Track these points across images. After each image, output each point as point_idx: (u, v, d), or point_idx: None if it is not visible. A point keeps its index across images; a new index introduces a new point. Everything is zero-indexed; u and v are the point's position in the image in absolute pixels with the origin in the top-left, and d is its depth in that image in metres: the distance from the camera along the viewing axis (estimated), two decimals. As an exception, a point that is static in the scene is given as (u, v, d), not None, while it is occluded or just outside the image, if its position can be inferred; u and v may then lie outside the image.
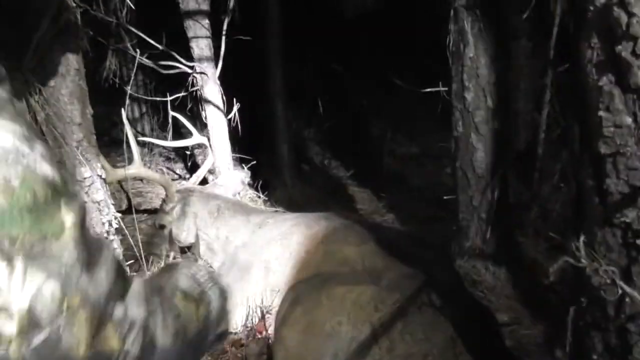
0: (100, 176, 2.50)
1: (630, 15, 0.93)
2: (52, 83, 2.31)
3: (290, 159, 4.87)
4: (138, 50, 3.59)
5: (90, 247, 0.69)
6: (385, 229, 3.85)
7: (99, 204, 2.50)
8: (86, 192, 2.45)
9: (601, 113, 1.02)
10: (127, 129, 3.29)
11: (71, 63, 2.34)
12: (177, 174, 5.45)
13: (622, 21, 0.95)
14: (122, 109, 3.38)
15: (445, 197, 3.25)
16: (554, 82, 3.04)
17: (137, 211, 3.86)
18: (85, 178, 2.43)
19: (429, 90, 3.12)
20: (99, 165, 2.52)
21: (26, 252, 0.60)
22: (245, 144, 4.58)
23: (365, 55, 5.39)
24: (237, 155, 4.64)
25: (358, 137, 6.08)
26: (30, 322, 0.60)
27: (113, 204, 2.63)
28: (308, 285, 2.31)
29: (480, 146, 3.00)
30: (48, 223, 0.63)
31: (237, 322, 2.76)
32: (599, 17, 1.00)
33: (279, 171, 4.84)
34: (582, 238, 1.14)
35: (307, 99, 5.71)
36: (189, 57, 4.07)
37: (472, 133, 2.98)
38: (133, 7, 2.76)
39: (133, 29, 3.53)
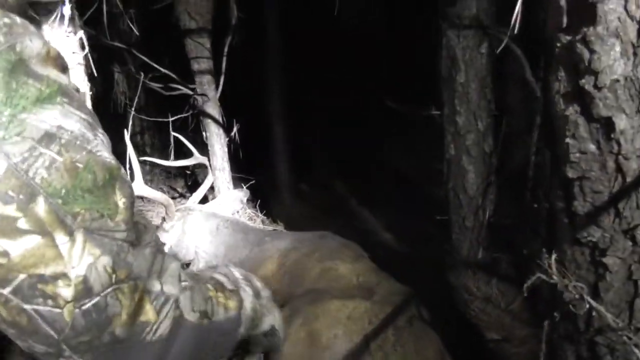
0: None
1: (592, 52, 1.03)
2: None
3: (289, 178, 4.96)
4: (142, 73, 3.71)
5: (136, 229, 0.81)
6: (380, 247, 3.95)
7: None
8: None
9: (568, 140, 1.12)
10: (130, 149, 3.39)
11: (78, 86, 2.44)
12: (177, 191, 5.55)
13: (584, 57, 1.05)
14: (125, 130, 3.48)
15: (438, 217, 3.33)
16: (544, 106, 3.14)
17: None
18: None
19: (423, 114, 3.22)
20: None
21: (86, 228, 0.71)
22: (244, 163, 4.68)
23: (365, 75, 5.53)
24: (237, 175, 4.73)
25: (356, 156, 6.18)
26: (84, 289, 0.72)
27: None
28: (304, 300, 2.37)
29: (472, 168, 3.09)
30: (104, 204, 0.74)
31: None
32: (565, 53, 1.09)
33: (277, 190, 4.93)
34: (554, 256, 1.23)
35: (306, 118, 5.83)
36: (191, 78, 4.19)
37: (463, 155, 3.08)
38: (137, 32, 2.86)
39: (137, 53, 3.65)
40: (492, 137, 3.10)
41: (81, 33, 2.35)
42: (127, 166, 3.35)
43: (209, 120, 4.23)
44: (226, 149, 4.36)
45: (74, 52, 2.39)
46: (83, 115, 0.75)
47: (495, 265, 3.24)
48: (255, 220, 4.54)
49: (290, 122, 4.97)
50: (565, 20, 1.07)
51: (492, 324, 2.89)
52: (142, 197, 3.67)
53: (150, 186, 3.65)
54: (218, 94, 4.25)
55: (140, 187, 3.56)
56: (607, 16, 0.98)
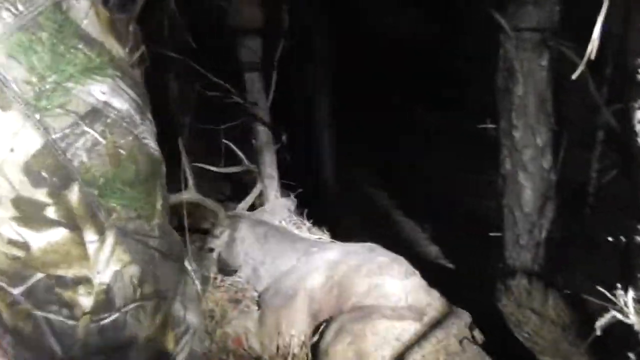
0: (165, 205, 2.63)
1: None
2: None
3: (336, 187, 4.95)
4: (196, 81, 3.79)
5: (170, 239, 0.69)
6: (427, 261, 3.87)
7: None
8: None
9: (647, 173, 1.05)
10: (184, 156, 3.46)
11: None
12: (225, 195, 5.61)
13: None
14: (179, 138, 3.56)
15: (490, 234, 3.23)
16: (608, 122, 3.00)
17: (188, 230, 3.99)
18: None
19: (478, 126, 3.14)
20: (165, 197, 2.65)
21: (119, 227, 0.59)
22: (292, 170, 4.69)
23: (416, 85, 5.45)
24: (285, 182, 4.75)
25: (404, 166, 6.10)
26: (106, 301, 0.60)
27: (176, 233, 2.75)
28: (352, 317, 2.35)
29: (529, 184, 2.98)
30: (144, 202, 0.63)
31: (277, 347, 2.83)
32: (646, 80, 1.03)
33: (324, 199, 4.92)
34: (631, 294, 1.15)
35: (353, 127, 5.81)
36: (242, 87, 4.24)
37: (519, 171, 2.97)
38: (194, 44, 2.91)
39: (192, 63, 3.73)
40: (551, 153, 2.98)
41: (143, 47, 2.40)
42: (181, 173, 3.42)
43: (259, 128, 4.27)
44: (275, 157, 4.38)
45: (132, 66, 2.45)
46: (133, 95, 0.64)
47: (551, 285, 3.11)
48: (301, 228, 4.53)
49: (338, 131, 4.95)
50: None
51: (547, 348, 2.77)
52: (193, 203, 3.72)
53: (199, 189, 3.71)
54: (268, 103, 4.28)
55: (192, 193, 3.63)
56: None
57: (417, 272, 2.69)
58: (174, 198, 3.47)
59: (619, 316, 1.15)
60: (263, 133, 4.29)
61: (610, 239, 1.32)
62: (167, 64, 4.19)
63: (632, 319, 1.12)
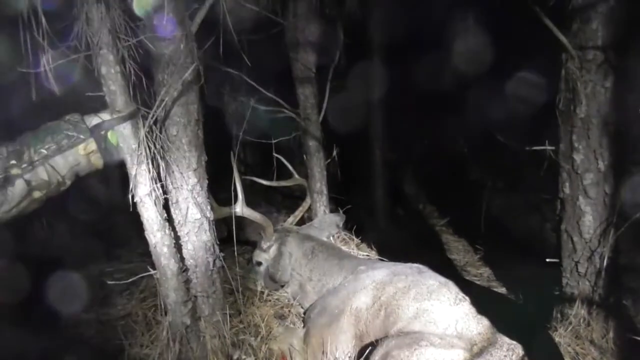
0: (208, 218, 2.69)
1: None
2: (174, 132, 2.55)
3: (385, 203, 4.90)
4: (251, 98, 3.86)
5: None
6: (476, 286, 3.74)
7: (206, 244, 2.68)
8: (195, 233, 2.64)
9: None
10: (235, 170, 3.53)
11: (192, 114, 2.57)
12: (274, 206, 5.67)
13: None
14: (231, 152, 3.63)
15: (547, 260, 3.09)
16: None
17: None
18: (196, 220, 2.62)
19: (534, 148, 3.02)
20: (208, 207, 2.71)
21: None
22: (342, 186, 4.68)
23: (470, 104, 5.35)
24: (334, 196, 4.75)
25: (456, 183, 5.97)
26: None
27: (218, 244, 2.80)
28: (399, 343, 2.29)
29: (589, 210, 2.84)
30: None
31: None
32: None
33: (373, 215, 4.88)
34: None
35: (405, 143, 5.75)
36: (295, 102, 4.29)
37: (580, 196, 2.84)
38: (249, 63, 2.97)
39: (247, 79, 3.80)
40: (614, 177, 2.83)
41: (198, 64, 2.47)
42: (232, 187, 3.48)
43: (310, 143, 4.30)
44: (325, 172, 4.40)
45: (190, 81, 2.52)
46: None
47: (612, 316, 2.93)
48: (349, 244, 4.51)
49: (389, 148, 4.91)
50: None
51: (607, 385, 2.62)
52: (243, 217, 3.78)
53: (250, 200, 3.76)
54: (320, 118, 4.31)
55: (241, 206, 3.68)
56: None
57: (467, 298, 2.61)
58: (224, 211, 3.54)
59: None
60: (314, 148, 4.31)
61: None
62: (222, 80, 4.29)
63: None
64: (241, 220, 4.42)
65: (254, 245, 4.48)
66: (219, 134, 4.71)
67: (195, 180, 2.60)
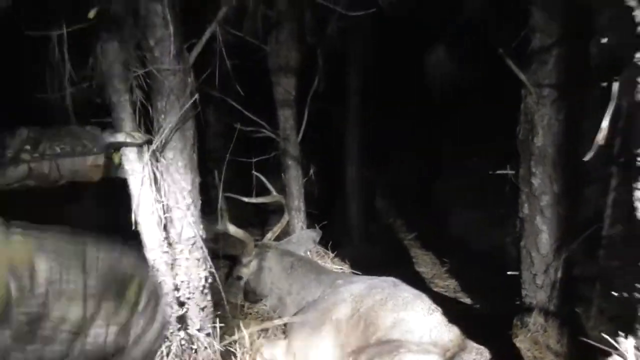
0: (202, 236, 2.88)
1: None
2: (170, 155, 2.73)
3: (360, 220, 5.16)
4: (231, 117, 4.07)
5: None
6: (448, 299, 4.03)
7: (199, 261, 2.87)
8: (189, 250, 2.82)
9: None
10: (220, 190, 3.72)
11: (188, 139, 2.77)
12: (254, 223, 5.84)
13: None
14: (216, 172, 3.82)
15: (508, 273, 3.41)
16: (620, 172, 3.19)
17: (216, 256, 4.20)
18: (189, 238, 2.81)
19: (498, 172, 3.34)
20: (201, 226, 2.90)
21: None
22: (319, 203, 4.92)
23: (444, 127, 5.71)
24: (312, 211, 4.97)
25: (423, 199, 6.30)
26: None
27: (209, 261, 2.99)
28: (380, 350, 2.54)
29: (545, 228, 3.17)
30: None
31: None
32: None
33: (348, 231, 5.13)
34: (633, 342, 1.34)
35: (379, 162, 6.05)
36: (275, 123, 4.51)
37: (537, 216, 3.16)
38: (241, 91, 3.19)
39: (232, 102, 4.01)
40: (567, 199, 3.16)
41: (196, 95, 2.68)
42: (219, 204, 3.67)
43: (289, 162, 4.52)
44: (303, 190, 4.62)
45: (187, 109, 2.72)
46: None
47: (566, 323, 3.26)
48: (325, 258, 4.74)
49: (364, 167, 5.19)
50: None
51: (561, 386, 2.92)
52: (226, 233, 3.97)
53: (231, 217, 3.95)
54: (299, 139, 4.54)
55: (226, 224, 3.88)
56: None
57: (439, 308, 2.88)
58: (210, 229, 3.73)
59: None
60: (292, 167, 4.54)
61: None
62: (209, 103, 4.49)
63: (632, 365, 1.31)
64: (217, 235, 4.61)
65: (230, 259, 4.66)
66: (201, 152, 4.88)
67: (190, 200, 2.79)
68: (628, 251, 1.36)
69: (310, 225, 4.75)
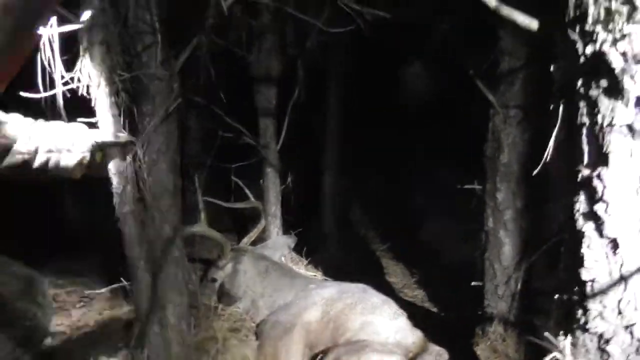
0: (180, 236, 2.98)
1: (604, 186, 1.33)
2: (154, 156, 2.84)
3: (334, 228, 5.30)
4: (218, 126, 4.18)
5: None
6: (416, 308, 4.19)
7: (176, 259, 2.97)
8: (168, 249, 2.92)
9: (583, 250, 1.41)
10: (199, 194, 3.82)
11: (171, 142, 2.88)
12: (231, 228, 5.93)
13: (599, 189, 1.35)
14: (196, 176, 3.92)
15: (472, 283, 3.58)
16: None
17: (191, 259, 4.28)
18: (168, 237, 2.91)
19: (466, 187, 3.52)
20: (180, 226, 3.00)
21: None
22: (296, 210, 5.04)
23: (414, 140, 5.90)
24: (288, 217, 5.08)
25: (398, 212, 6.48)
26: None
27: (186, 259, 3.09)
28: (347, 349, 2.67)
29: (508, 241, 3.35)
30: None
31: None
32: (584, 182, 1.40)
33: (323, 238, 5.26)
34: (569, 339, 1.50)
35: (355, 173, 6.22)
36: (256, 131, 4.64)
37: (500, 229, 3.34)
38: (223, 98, 3.32)
39: (216, 109, 4.13)
40: (529, 213, 3.35)
41: (180, 100, 2.80)
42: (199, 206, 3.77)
43: (268, 170, 4.64)
44: (280, 197, 4.74)
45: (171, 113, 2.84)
46: None
47: (524, 333, 3.43)
48: (298, 264, 4.85)
49: (341, 177, 5.35)
50: (586, 159, 1.38)
51: (517, 390, 3.08)
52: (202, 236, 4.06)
53: (209, 221, 4.04)
54: (278, 147, 4.67)
55: (203, 226, 3.97)
56: (616, 163, 1.29)
57: (404, 313, 3.04)
58: (187, 230, 3.82)
59: (559, 356, 1.49)
60: (271, 174, 4.66)
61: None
62: (191, 108, 4.59)
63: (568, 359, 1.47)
64: (192, 238, 4.70)
65: (205, 262, 4.74)
66: (181, 157, 4.97)
67: (171, 201, 2.89)
68: (570, 260, 1.52)
69: (286, 232, 4.86)
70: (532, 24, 1.47)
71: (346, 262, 5.33)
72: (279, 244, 4.67)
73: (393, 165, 6.28)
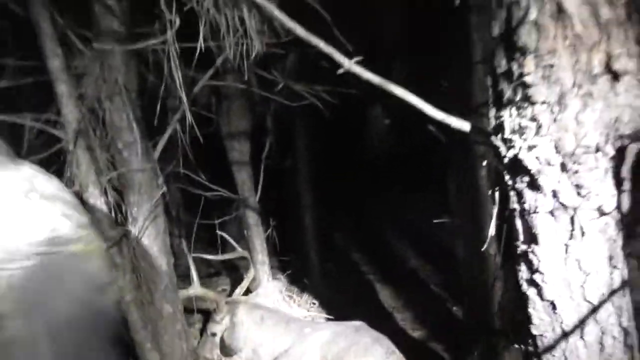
0: (180, 311, 3.19)
1: (539, 260, 1.61)
2: (146, 241, 3.06)
3: (319, 263, 5.55)
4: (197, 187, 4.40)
5: None
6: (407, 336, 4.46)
7: (179, 334, 3.18)
8: (169, 326, 3.13)
9: (530, 310, 1.69)
10: (189, 256, 4.03)
11: (160, 226, 3.10)
12: (219, 272, 6.13)
13: (534, 262, 1.63)
14: (183, 239, 4.13)
15: (454, 308, 3.87)
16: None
17: (188, 311, 4.46)
18: (169, 314, 3.12)
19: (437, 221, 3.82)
20: (180, 303, 3.22)
21: None
22: (283, 253, 5.28)
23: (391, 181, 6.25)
24: (278, 258, 5.30)
25: (377, 242, 6.81)
26: None
27: (185, 330, 3.30)
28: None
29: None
30: None
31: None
32: (522, 254, 1.68)
33: (310, 275, 5.50)
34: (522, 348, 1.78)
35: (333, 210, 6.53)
36: (233, 186, 4.86)
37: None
38: (191, 157, 3.52)
39: (190, 174, 4.34)
40: (497, 243, 3.64)
41: (163, 188, 3.02)
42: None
43: (250, 221, 4.86)
44: (265, 244, 4.96)
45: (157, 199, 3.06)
46: None
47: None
48: (292, 306, 5.08)
49: (319, 215, 5.61)
50: (521, 237, 1.67)
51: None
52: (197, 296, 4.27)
53: (200, 274, 4.26)
54: (257, 198, 4.90)
55: (196, 288, 4.18)
56: (544, 241, 1.58)
57: (396, 351, 3.30)
58: (183, 293, 4.02)
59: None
60: (253, 225, 4.89)
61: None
62: (171, 177, 4.80)
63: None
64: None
65: (204, 313, 4.94)
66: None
67: (167, 280, 3.11)
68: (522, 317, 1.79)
69: (275, 275, 5.08)
70: (464, 126, 1.74)
71: (336, 294, 5.56)
72: (270, 290, 4.89)
73: (368, 202, 6.61)
